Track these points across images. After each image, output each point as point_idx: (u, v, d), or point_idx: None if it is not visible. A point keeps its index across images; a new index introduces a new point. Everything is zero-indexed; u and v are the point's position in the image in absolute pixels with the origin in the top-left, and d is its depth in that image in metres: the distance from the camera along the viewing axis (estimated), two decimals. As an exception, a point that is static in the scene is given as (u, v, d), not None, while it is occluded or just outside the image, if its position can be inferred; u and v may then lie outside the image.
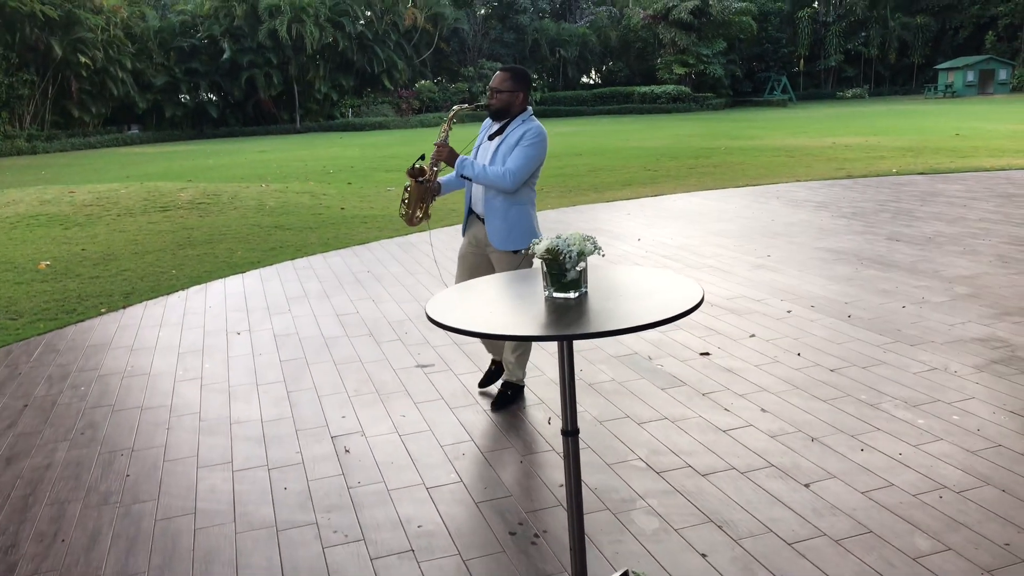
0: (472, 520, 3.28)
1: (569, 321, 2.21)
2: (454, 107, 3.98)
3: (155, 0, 47.56)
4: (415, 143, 29.24)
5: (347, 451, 3.97)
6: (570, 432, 2.44)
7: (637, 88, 49.54)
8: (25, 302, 7.21)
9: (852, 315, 5.57)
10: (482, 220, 4.07)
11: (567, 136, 28.83)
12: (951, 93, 49.93)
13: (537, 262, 2.43)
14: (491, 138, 4.02)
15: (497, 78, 3.95)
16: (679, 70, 49.78)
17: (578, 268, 2.31)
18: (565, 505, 3.31)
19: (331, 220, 11.38)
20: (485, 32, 52.29)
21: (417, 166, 3.94)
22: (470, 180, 3.93)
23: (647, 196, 12.14)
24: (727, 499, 3.31)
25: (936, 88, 51.44)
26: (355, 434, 4.16)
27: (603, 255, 2.37)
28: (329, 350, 5.49)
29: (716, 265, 7.28)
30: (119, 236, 10.55)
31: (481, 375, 4.85)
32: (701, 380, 4.60)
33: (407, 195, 3.99)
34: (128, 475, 3.83)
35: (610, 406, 4.32)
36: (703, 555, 2.94)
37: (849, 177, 12.85)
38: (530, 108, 4.01)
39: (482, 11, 55.04)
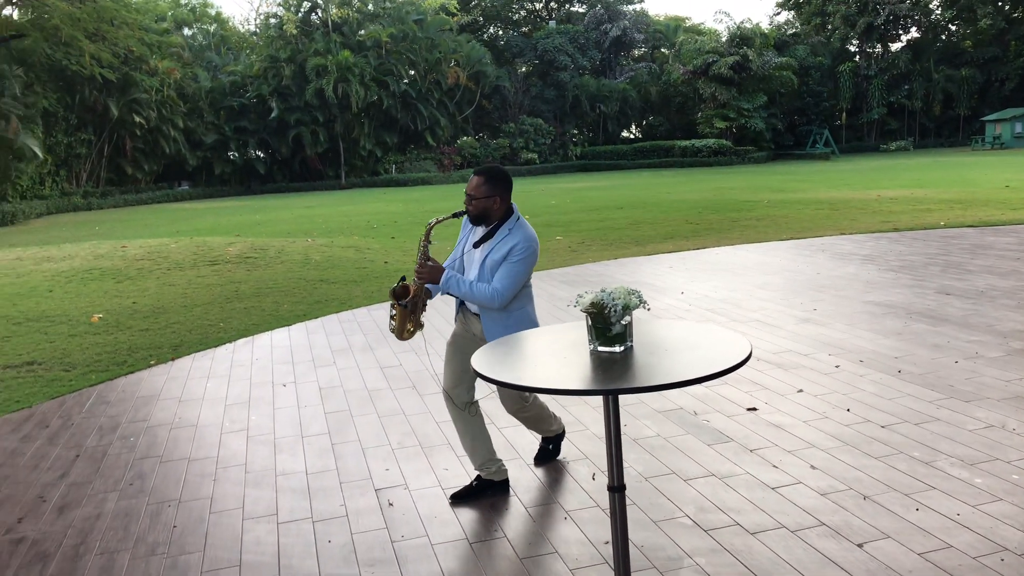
0: (516, 577, 3.24)
1: (614, 375, 2.21)
2: (430, 221, 3.72)
3: (207, 62, 49.21)
4: (456, 198, 29.57)
5: (391, 504, 3.96)
6: (617, 488, 2.42)
7: (678, 142, 49.80)
8: (78, 354, 7.38)
9: (903, 370, 5.46)
10: (476, 315, 3.82)
11: (607, 190, 28.99)
12: (999, 144, 49.26)
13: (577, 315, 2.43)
14: (476, 245, 3.74)
15: (472, 183, 3.64)
16: (720, 124, 49.96)
17: (623, 322, 2.31)
18: (612, 564, 3.26)
19: (375, 274, 11.53)
20: (526, 89, 53.17)
21: (399, 287, 3.71)
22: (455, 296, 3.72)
23: (689, 249, 12.12)
24: (777, 559, 3.23)
25: (983, 140, 50.78)
26: (399, 487, 4.16)
27: (648, 309, 2.37)
28: (373, 403, 5.52)
29: (761, 319, 7.21)
30: (169, 290, 10.79)
31: (523, 429, 4.83)
32: (748, 436, 4.53)
33: (393, 313, 3.75)
34: (175, 526, 3.86)
35: (656, 462, 4.27)
36: (754, 616, 2.87)
37: (895, 230, 12.71)
38: (515, 207, 3.73)
39: (523, 69, 56.05)
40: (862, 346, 6.13)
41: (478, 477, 4.02)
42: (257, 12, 63.15)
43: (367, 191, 42.01)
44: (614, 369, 2.25)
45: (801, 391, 5.21)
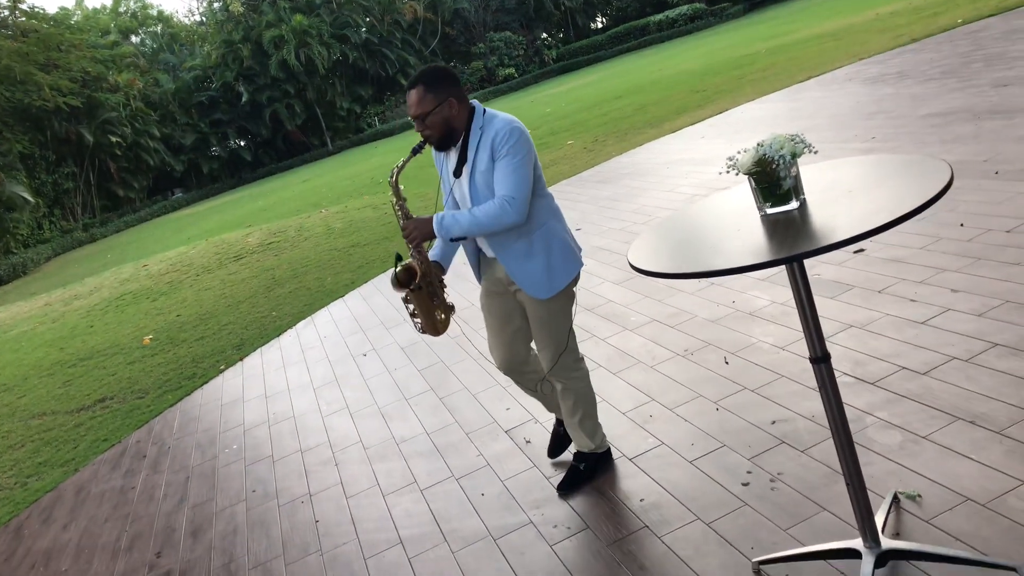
0: (695, 480, 3.03)
1: (794, 237, 1.93)
2: (394, 168, 2.94)
3: (164, 64, 48.15)
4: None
5: (528, 441, 3.76)
6: (821, 358, 2.16)
7: (651, 18, 48.31)
8: (145, 379, 7.22)
9: (999, 171, 5.12)
10: (495, 258, 3.08)
11: (597, 84, 28.22)
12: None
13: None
14: (457, 174, 2.96)
15: (413, 100, 2.80)
16: (688, -12, 48.29)
17: (793, 173, 2.02)
18: (829, 434, 3.04)
19: (403, 224, 11.21)
20: (486, 5, 51.59)
21: (399, 270, 3.01)
22: (465, 239, 2.92)
23: (710, 116, 11.66)
24: (965, 392, 2.99)
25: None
26: (528, 423, 3.94)
27: (815, 151, 2.07)
28: (462, 348, 5.29)
29: (825, 159, 6.84)
30: (206, 294, 10.58)
31: (647, 333, 4.58)
32: (868, 278, 4.25)
33: (412, 307, 3.03)
34: (318, 521, 3.69)
35: (780, 328, 4.01)
36: (969, 457, 2.64)
37: (913, 41, 12.12)
38: (477, 104, 2.91)
39: (477, -15, 54.26)
40: (944, 158, 5.76)
41: (578, 454, 3.31)
42: (199, 0, 61.49)
43: (357, 150, 41.35)
44: (793, 230, 1.97)
45: (901, 220, 4.90)
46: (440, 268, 3.10)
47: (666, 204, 7.28)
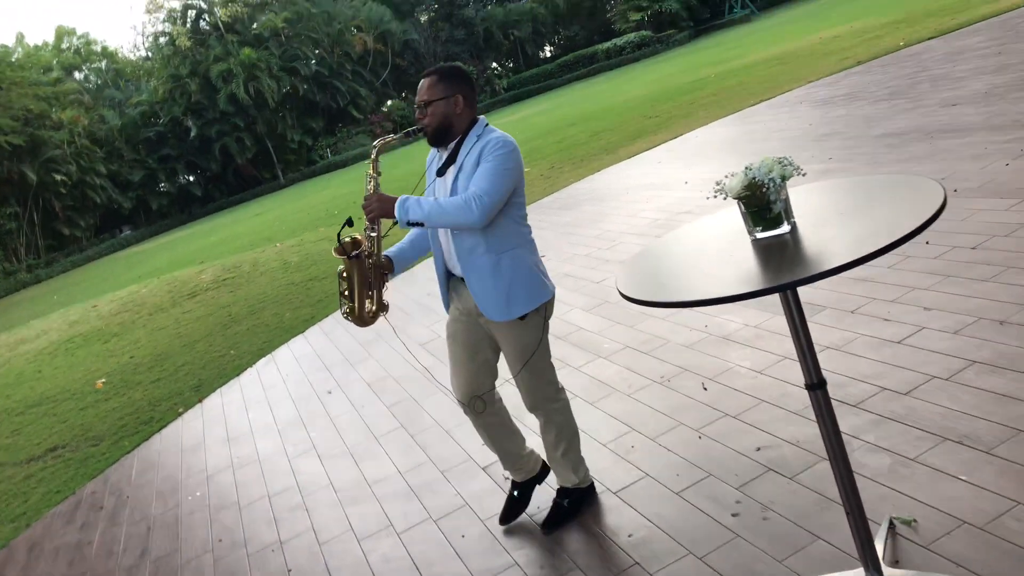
0: (684, 513, 2.95)
1: (788, 263, 1.88)
2: (375, 142, 2.91)
3: (109, 100, 47.37)
4: (404, 163, 28.86)
5: (507, 478, 3.65)
6: (817, 385, 2.10)
7: (599, 47, 48.92)
8: (99, 425, 6.95)
9: (958, 189, 5.19)
10: (463, 280, 2.97)
11: (550, 112, 28.42)
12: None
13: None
14: (441, 173, 2.91)
15: (423, 87, 2.82)
16: (635, 16, 49.08)
17: (783, 196, 1.97)
18: (816, 459, 2.98)
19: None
20: (435, 36, 51.84)
21: (346, 239, 2.85)
22: (422, 225, 2.74)
23: (665, 141, 11.75)
24: (949, 411, 2.96)
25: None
26: (505, 459, 3.83)
27: (804, 174, 2.03)
28: (431, 382, 5.17)
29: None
30: (161, 334, 10.30)
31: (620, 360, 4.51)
32: (840, 299, 4.24)
33: (345, 285, 2.90)
34: (290, 570, 3.53)
35: (756, 352, 3.97)
36: (962, 478, 2.60)
37: (859, 64, 12.39)
38: (483, 118, 2.92)
39: (425, 16, 54.55)
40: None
41: (561, 489, 3.21)
42: (144, 36, 60.78)
43: (310, 182, 40.99)
44: (786, 256, 1.92)
45: (867, 239, 4.93)
46: (391, 264, 3.03)
47: (629, 229, 7.26)
